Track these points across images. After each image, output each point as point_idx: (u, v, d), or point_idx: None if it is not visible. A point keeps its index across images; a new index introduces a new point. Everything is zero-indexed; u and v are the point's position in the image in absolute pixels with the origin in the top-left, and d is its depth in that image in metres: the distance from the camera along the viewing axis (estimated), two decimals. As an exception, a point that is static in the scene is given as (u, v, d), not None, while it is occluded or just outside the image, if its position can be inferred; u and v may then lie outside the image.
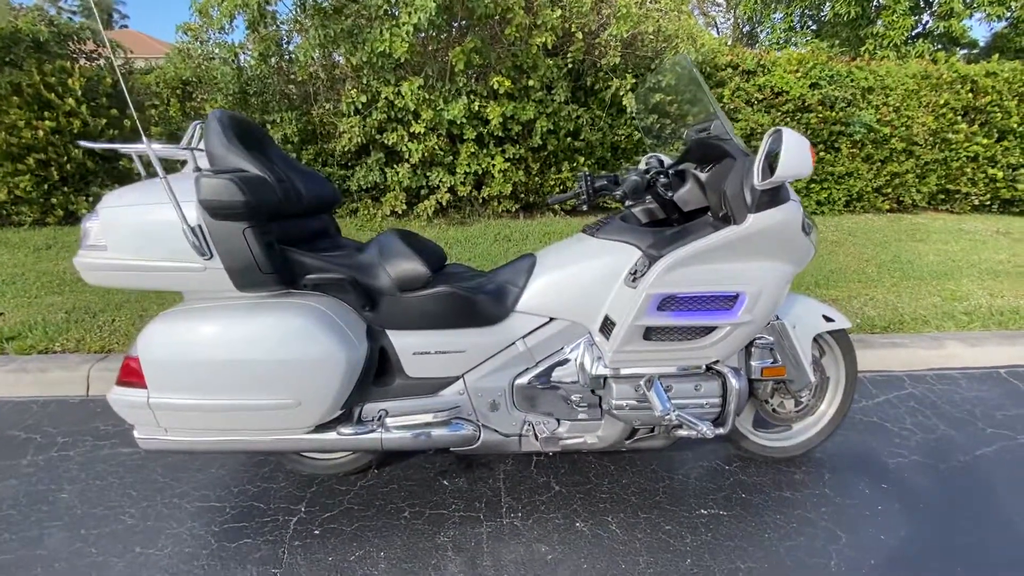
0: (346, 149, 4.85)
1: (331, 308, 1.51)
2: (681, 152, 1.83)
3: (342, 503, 1.75)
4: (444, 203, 5.16)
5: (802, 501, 1.79)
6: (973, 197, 6.19)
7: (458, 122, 4.77)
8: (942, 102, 5.81)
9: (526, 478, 1.89)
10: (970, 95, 5.83)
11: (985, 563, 1.55)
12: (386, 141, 5.00)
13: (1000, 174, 6.03)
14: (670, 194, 1.71)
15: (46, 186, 4.64)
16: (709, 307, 1.52)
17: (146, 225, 1.38)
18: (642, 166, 2.20)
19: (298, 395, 1.47)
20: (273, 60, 4.71)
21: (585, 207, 1.97)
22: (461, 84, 4.82)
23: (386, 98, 4.75)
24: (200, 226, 1.36)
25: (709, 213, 1.64)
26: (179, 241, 1.36)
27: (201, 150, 1.52)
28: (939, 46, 11.24)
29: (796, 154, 1.31)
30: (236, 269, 1.39)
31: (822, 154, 5.83)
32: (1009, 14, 10.92)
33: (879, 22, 11.50)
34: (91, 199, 4.81)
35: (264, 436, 1.53)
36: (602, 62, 4.84)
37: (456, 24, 4.79)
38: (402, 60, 4.32)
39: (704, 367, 1.64)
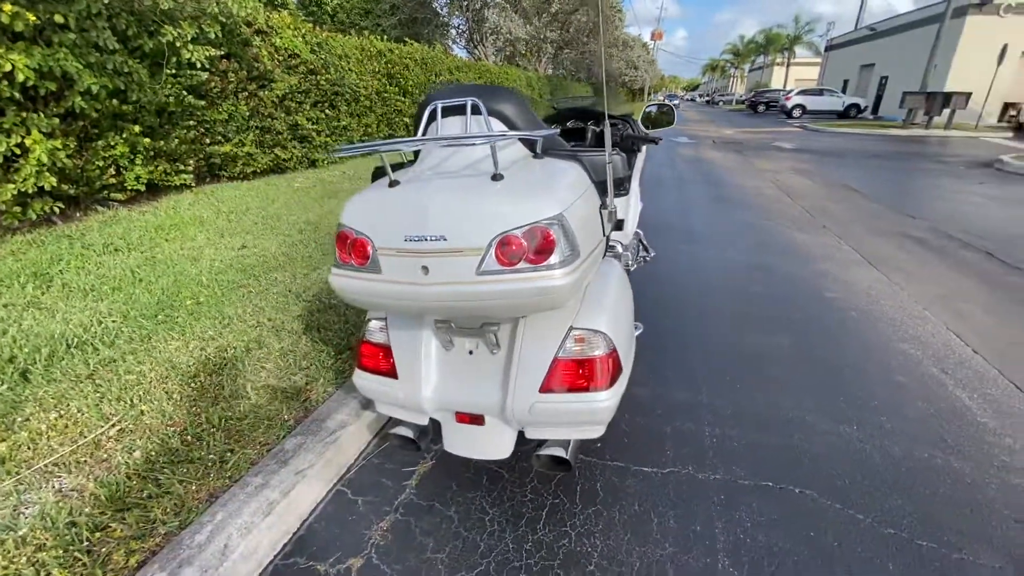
0: None
1: None
2: (552, 115, 2.78)
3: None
4: (-69, 220, 3.02)
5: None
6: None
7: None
8: (375, 68, 7.91)
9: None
10: (387, 64, 8.19)
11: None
12: None
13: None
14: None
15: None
16: None
17: (589, 214, 1.27)
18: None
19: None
20: None
21: None
22: (-77, 7, 2.83)
23: None
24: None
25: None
26: (597, 223, 1.34)
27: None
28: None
29: (676, 116, 2.69)
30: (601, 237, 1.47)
31: (327, 111, 6.85)
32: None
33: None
34: None
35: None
36: (147, 3, 3.92)
37: None
38: None
39: None
